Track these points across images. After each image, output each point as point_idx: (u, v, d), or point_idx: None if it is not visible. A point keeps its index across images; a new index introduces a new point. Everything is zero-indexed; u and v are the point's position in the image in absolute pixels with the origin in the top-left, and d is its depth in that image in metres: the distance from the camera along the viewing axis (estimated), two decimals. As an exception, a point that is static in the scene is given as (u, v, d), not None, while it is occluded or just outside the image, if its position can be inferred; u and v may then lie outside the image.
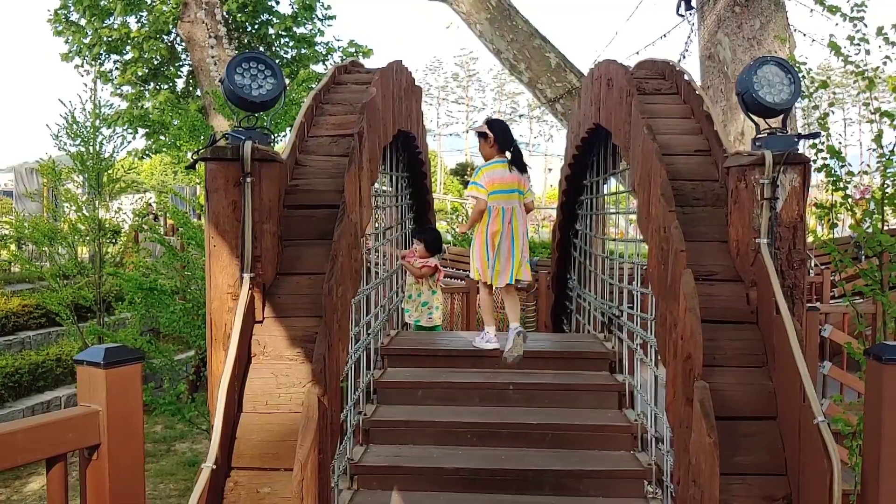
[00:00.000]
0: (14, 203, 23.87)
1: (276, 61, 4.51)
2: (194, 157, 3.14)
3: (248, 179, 3.03)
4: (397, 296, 6.67)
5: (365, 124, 3.77)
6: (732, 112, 8.46)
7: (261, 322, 3.12)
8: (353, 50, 17.94)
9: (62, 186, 13.06)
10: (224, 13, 16.13)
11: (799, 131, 4.94)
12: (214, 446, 2.70)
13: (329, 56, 18.29)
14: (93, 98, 15.60)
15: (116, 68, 17.39)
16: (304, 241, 3.35)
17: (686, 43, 9.62)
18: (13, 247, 16.06)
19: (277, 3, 17.61)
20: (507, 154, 5.47)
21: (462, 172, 29.50)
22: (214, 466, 2.67)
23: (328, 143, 3.83)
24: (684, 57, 9.57)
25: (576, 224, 7.18)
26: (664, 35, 10.28)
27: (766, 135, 3.17)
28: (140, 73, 17.01)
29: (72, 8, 16.98)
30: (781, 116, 3.22)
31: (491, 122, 5.59)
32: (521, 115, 53.63)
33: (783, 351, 2.82)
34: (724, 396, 2.90)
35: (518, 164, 5.44)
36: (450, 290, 10.25)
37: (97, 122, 15.66)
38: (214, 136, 3.09)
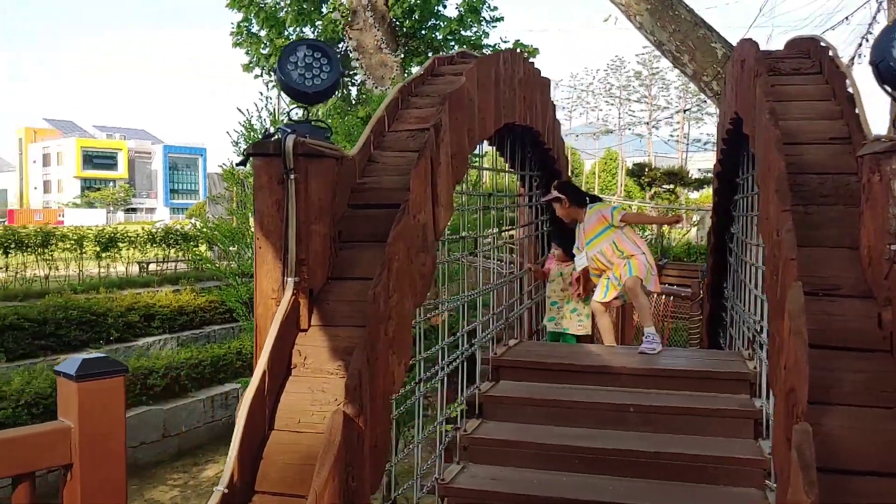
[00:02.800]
0: (206, 206, 25.72)
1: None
2: (245, 153, 2.94)
3: (292, 176, 2.78)
4: (521, 303, 6.26)
5: (445, 117, 3.44)
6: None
7: (305, 331, 2.86)
8: (518, 50, 17.62)
9: (245, 190, 13.73)
10: (391, 19, 16.34)
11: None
12: (228, 468, 2.47)
13: (496, 58, 18.08)
14: (268, 106, 16.33)
15: (292, 77, 18.09)
16: (361, 242, 3.07)
17: (869, 25, 8.52)
18: (203, 247, 17.16)
19: (444, 7, 17.62)
20: (586, 207, 5.67)
21: (639, 174, 28.42)
22: (226, 490, 2.43)
23: (405, 137, 3.54)
24: (867, 40, 8.47)
25: (731, 227, 6.47)
26: (846, 18, 9.17)
27: (910, 115, 2.52)
28: (313, 81, 17.58)
29: (253, 21, 17.82)
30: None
31: (560, 186, 5.77)
32: (708, 113, 50.97)
33: (917, 390, 2.19)
34: (836, 443, 2.31)
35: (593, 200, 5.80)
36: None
37: (273, 128, 16.39)
38: (268, 130, 2.86)
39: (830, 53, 3.61)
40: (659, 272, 15.34)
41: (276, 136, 2.86)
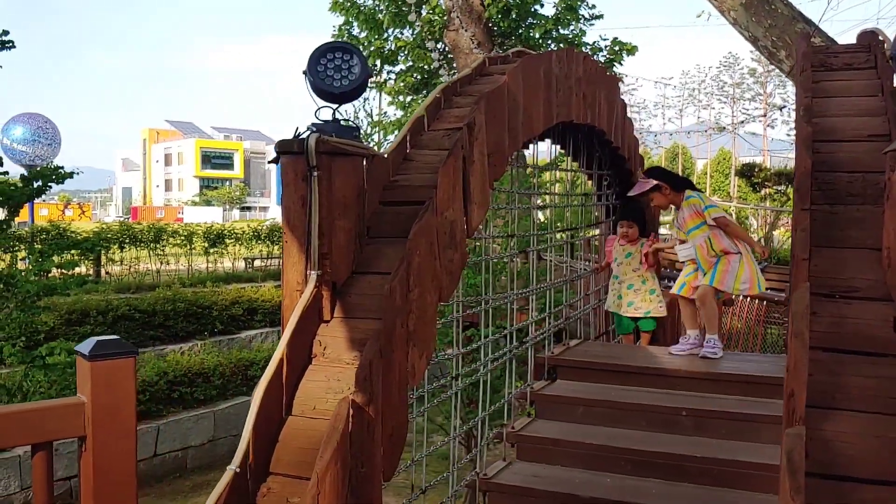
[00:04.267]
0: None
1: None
2: (277, 151, 3.08)
3: (315, 173, 2.90)
4: (586, 303, 6.21)
5: (480, 115, 3.49)
6: None
7: (328, 322, 2.97)
8: (616, 48, 17.38)
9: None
10: (487, 19, 16.42)
11: None
12: (241, 448, 2.60)
13: (594, 56, 17.88)
14: (365, 106, 16.73)
15: (390, 78, 18.42)
16: (388, 238, 3.16)
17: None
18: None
19: (542, 6, 17.55)
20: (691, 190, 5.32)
21: (749, 174, 27.37)
22: (238, 469, 2.57)
23: (441, 136, 3.61)
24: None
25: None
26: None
27: (936, 111, 2.41)
28: (410, 82, 17.85)
29: (354, 23, 18.27)
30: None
31: (655, 173, 5.38)
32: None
33: (920, 397, 2.10)
34: (838, 449, 2.24)
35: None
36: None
37: (369, 128, 16.75)
38: (298, 129, 2.99)
39: (886, 47, 3.45)
40: (758, 275, 14.81)
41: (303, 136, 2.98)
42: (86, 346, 2.20)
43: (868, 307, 2.48)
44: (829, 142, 2.98)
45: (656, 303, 5.90)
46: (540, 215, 8.31)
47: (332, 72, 3.08)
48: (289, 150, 2.93)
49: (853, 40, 4.08)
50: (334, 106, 3.10)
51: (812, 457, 2.25)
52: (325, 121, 3.07)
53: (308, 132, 2.93)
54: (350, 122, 3.13)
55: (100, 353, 2.18)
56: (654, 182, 5.23)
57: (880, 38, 3.61)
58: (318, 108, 3.08)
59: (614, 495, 3.97)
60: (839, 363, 2.37)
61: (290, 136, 3.02)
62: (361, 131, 16.24)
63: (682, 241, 5.32)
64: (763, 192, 31.11)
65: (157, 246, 18.33)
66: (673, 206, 5.39)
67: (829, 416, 2.29)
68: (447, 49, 17.40)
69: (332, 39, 18.47)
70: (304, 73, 3.09)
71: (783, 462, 2.11)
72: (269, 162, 3.21)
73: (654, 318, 5.92)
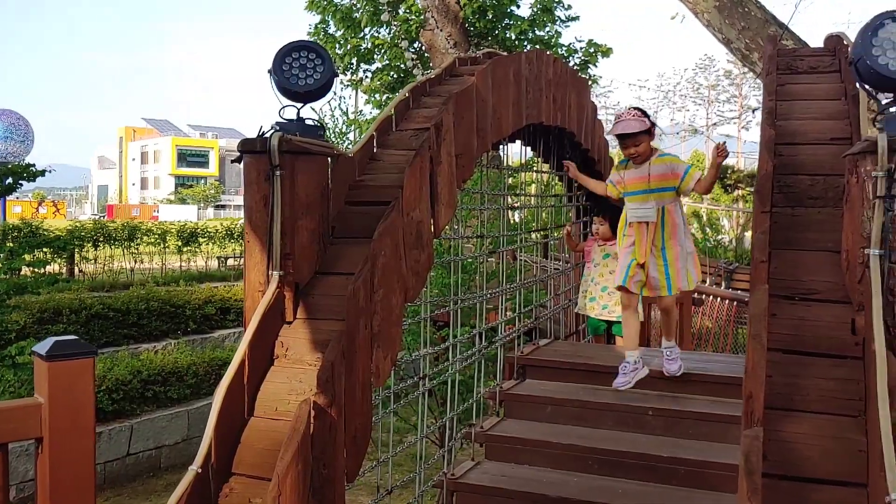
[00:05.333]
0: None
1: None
2: (238, 150, 3.05)
3: (278, 173, 2.88)
4: (557, 303, 6.23)
5: (448, 116, 3.49)
6: None
7: (290, 323, 2.95)
8: (591, 50, 17.45)
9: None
10: (463, 19, 16.42)
11: None
12: (202, 449, 2.58)
13: (570, 57, 17.95)
14: (341, 105, 16.67)
15: (367, 77, 18.38)
16: (352, 238, 3.15)
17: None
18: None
19: (518, 6, 17.59)
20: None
21: (722, 175, 27.65)
22: (199, 470, 2.55)
23: (409, 136, 3.60)
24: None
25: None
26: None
27: (893, 113, 2.43)
28: (387, 81, 17.81)
29: (330, 22, 18.21)
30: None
31: (642, 111, 4.51)
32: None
33: (873, 396, 2.13)
34: (796, 450, 2.25)
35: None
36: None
37: (345, 126, 16.70)
38: (262, 128, 2.97)
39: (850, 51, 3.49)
40: (730, 277, 14.98)
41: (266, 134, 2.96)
42: (43, 347, 2.17)
43: (827, 309, 2.51)
44: (791, 145, 3.01)
45: None
46: (516, 216, 8.34)
47: (298, 71, 3.06)
48: (251, 149, 2.91)
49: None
50: (299, 105, 3.08)
51: (771, 458, 2.27)
52: (290, 120, 3.05)
53: (271, 131, 2.92)
54: (315, 122, 3.12)
55: (57, 353, 2.15)
56: (650, 122, 4.46)
57: (845, 42, 3.65)
58: (283, 107, 3.06)
59: (582, 495, 3.98)
60: (798, 365, 2.40)
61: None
62: (337, 129, 16.13)
63: (633, 201, 4.55)
64: (736, 194, 31.47)
65: (132, 244, 18.16)
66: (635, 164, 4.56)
67: (788, 417, 2.31)
68: (424, 48, 17.40)
69: (303, 38, 18.43)
70: (269, 71, 3.07)
71: (740, 463, 2.13)
72: (233, 161, 3.18)
73: None
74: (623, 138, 4.47)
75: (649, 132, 4.49)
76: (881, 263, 2.32)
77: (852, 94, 3.13)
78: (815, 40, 4.05)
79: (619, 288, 4.65)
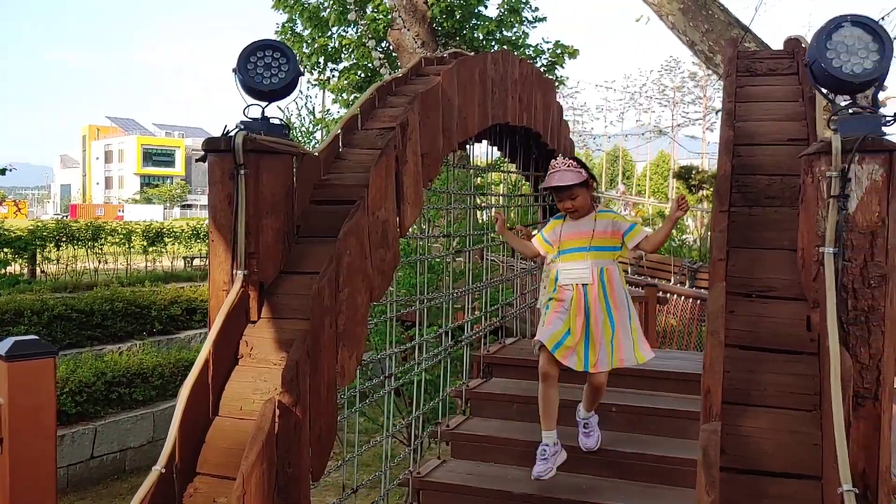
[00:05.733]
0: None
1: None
2: (203, 149, 3.04)
3: (242, 171, 2.87)
4: (524, 301, 6.28)
5: (414, 115, 3.50)
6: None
7: (255, 322, 2.95)
8: (558, 51, 17.57)
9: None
10: (431, 19, 16.45)
11: None
12: (166, 449, 2.57)
13: (537, 58, 18.05)
14: (308, 104, 16.61)
15: (334, 76, 18.33)
16: (317, 237, 3.15)
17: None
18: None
19: (485, 7, 17.65)
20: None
21: (687, 176, 28.01)
22: (163, 470, 2.53)
23: (375, 135, 3.61)
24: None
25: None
26: (883, 17, 8.91)
27: (848, 115, 2.49)
28: (354, 80, 17.77)
29: (297, 20, 18.13)
30: (871, 92, 2.52)
31: (581, 164, 3.98)
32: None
33: (828, 391, 2.18)
34: (753, 445, 2.30)
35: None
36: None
37: (311, 126, 16.64)
38: (226, 127, 2.96)
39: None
40: (694, 276, 15.16)
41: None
42: (3, 347, 2.15)
43: (783, 306, 2.56)
44: (750, 145, 3.07)
45: None
46: (484, 216, 8.38)
47: (262, 70, 3.06)
48: (216, 147, 2.90)
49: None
50: (264, 104, 3.08)
51: (728, 452, 2.31)
52: (255, 119, 3.05)
53: (236, 130, 2.91)
54: (280, 121, 3.11)
55: (17, 353, 2.14)
56: (587, 175, 3.93)
57: (803, 45, 3.72)
58: (247, 106, 3.05)
59: (546, 491, 4.01)
60: (755, 360, 2.45)
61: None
62: (304, 129, 16.02)
63: (567, 260, 3.97)
64: (700, 194, 31.84)
65: (95, 244, 17.94)
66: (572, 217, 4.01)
67: (746, 412, 2.36)
68: (391, 48, 17.39)
69: (269, 38, 18.32)
70: (234, 70, 3.06)
71: (699, 457, 2.17)
72: (197, 160, 3.17)
73: None
74: (558, 191, 3.93)
75: (587, 184, 3.93)
76: (835, 261, 2.38)
77: (809, 96, 3.20)
78: (780, 43, 4.12)
79: (542, 349, 3.94)
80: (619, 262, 4.06)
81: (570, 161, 3.98)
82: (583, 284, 3.89)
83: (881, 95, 2.80)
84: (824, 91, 2.51)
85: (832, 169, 2.38)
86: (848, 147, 2.35)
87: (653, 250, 4.14)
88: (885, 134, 2.41)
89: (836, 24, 2.47)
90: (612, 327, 3.90)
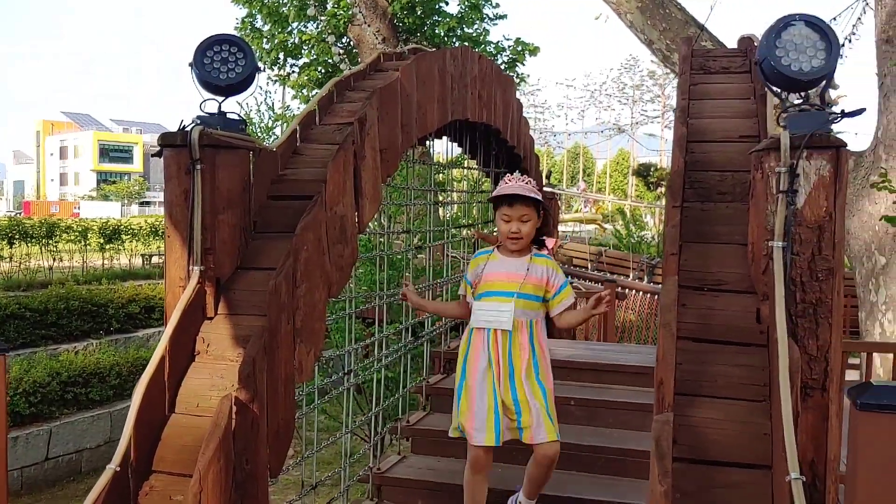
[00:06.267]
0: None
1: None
2: (159, 144, 3.01)
3: (198, 167, 2.85)
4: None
5: (372, 111, 3.50)
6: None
7: (211, 319, 2.93)
8: (519, 48, 17.63)
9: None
10: (392, 15, 16.41)
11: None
12: (121, 447, 2.54)
13: (498, 56, 18.10)
14: (267, 100, 16.47)
15: (294, 72, 18.19)
16: (275, 233, 3.14)
17: (854, 25, 8.47)
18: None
19: (446, 3, 17.64)
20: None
21: (646, 174, 28.39)
22: (118, 469, 2.51)
23: (333, 130, 3.60)
24: (849, 41, 8.42)
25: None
26: (833, 19, 9.09)
27: (797, 112, 2.55)
28: (314, 76, 17.66)
29: (258, 16, 17.95)
30: (820, 89, 2.58)
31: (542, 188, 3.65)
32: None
33: (777, 382, 2.23)
34: (705, 435, 2.35)
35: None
36: (584, 295, 9.69)
37: (270, 122, 16.52)
38: (182, 122, 2.93)
39: (759, 52, 3.63)
40: (652, 272, 15.34)
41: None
42: (-52, 345, 2.11)
43: (734, 299, 2.62)
44: (702, 142, 3.13)
45: None
46: (446, 213, 8.40)
47: (219, 64, 3.03)
48: (172, 142, 2.88)
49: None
50: (221, 99, 3.05)
51: (681, 442, 2.36)
52: (211, 114, 3.02)
53: (192, 125, 2.89)
54: (237, 116, 3.09)
55: (-37, 351, 2.10)
56: (534, 194, 3.27)
57: (755, 43, 3.79)
58: (204, 101, 3.02)
59: (505, 484, 4.03)
60: (707, 353, 2.49)
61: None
62: (263, 125, 15.87)
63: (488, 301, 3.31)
64: (658, 191, 32.32)
65: (50, 242, 17.61)
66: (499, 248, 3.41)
67: (697, 403, 2.41)
68: (352, 44, 17.32)
69: (227, 32, 18.13)
70: (190, 65, 3.03)
71: (652, 447, 2.21)
72: (153, 155, 3.14)
73: None
74: (512, 203, 3.27)
75: (539, 213, 3.32)
76: (784, 255, 2.44)
77: (761, 94, 3.27)
78: (735, 42, 4.20)
79: (477, 449, 3.37)
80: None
81: (529, 179, 3.38)
82: (502, 331, 3.25)
83: (833, 94, 2.88)
84: (774, 89, 2.57)
85: (781, 165, 2.43)
86: (796, 143, 2.40)
87: (563, 327, 3.68)
88: (832, 131, 2.47)
89: (785, 22, 2.52)
90: (542, 389, 3.32)
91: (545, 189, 4.58)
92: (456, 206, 6.96)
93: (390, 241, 5.41)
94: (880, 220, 6.08)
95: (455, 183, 8.78)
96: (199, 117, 2.98)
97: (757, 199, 2.57)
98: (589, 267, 15.43)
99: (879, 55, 7.66)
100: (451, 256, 6.90)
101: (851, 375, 5.48)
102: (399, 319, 5.27)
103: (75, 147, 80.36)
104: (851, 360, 6.39)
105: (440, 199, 6.88)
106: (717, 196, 2.91)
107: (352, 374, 4.07)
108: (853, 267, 7.13)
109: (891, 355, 5.70)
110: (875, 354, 5.89)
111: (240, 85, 3.04)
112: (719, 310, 2.59)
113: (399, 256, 7.00)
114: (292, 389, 2.90)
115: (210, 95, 3.06)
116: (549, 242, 5.40)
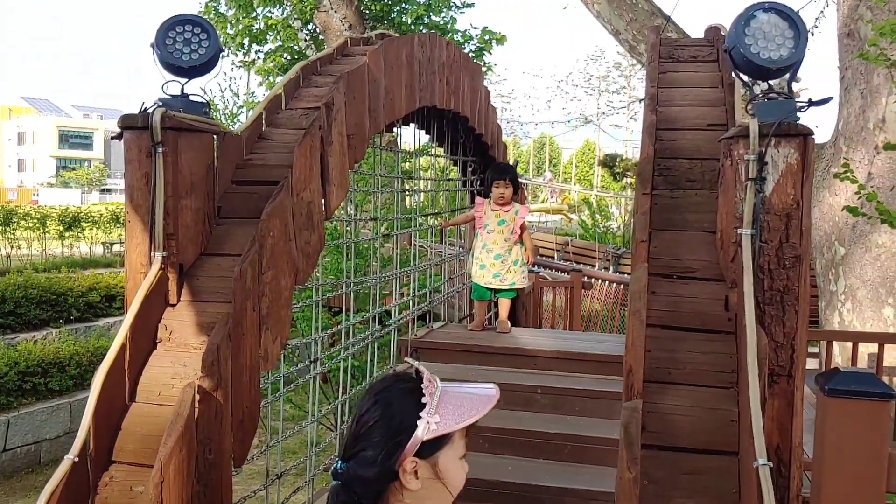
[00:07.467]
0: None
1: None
2: (119, 126, 2.93)
3: (160, 150, 2.78)
4: (452, 286, 6.29)
5: (340, 95, 3.45)
6: (873, 96, 7.41)
7: (174, 305, 2.86)
8: (486, 37, 17.59)
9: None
10: (358, 2, 16.27)
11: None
12: (80, 437, 2.48)
13: (465, 44, 18.05)
14: (232, 85, 16.25)
15: (259, 58, 17.96)
16: (239, 219, 3.08)
17: (816, 19, 8.57)
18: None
19: (415, -10, 17.55)
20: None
21: (611, 164, 28.55)
22: (76, 459, 2.44)
23: (299, 115, 3.54)
24: (811, 34, 8.51)
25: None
26: (796, 12, 9.17)
27: (764, 101, 2.56)
28: (280, 62, 17.46)
29: (222, 1, 17.68)
30: (787, 78, 2.59)
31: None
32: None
33: (744, 369, 2.24)
34: (673, 422, 2.35)
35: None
36: (550, 285, 9.72)
37: (235, 108, 16.31)
38: (144, 104, 2.85)
39: (727, 41, 3.64)
40: (618, 262, 15.46)
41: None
42: None
43: (703, 287, 2.62)
44: (671, 130, 3.13)
45: (520, 274, 5.63)
46: (413, 201, 8.36)
47: (182, 45, 2.96)
48: (132, 125, 2.80)
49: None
50: (183, 80, 2.98)
51: (650, 429, 2.36)
52: (174, 96, 2.95)
53: (154, 107, 2.81)
54: (201, 98, 3.02)
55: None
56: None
57: (723, 33, 3.81)
58: (166, 83, 2.95)
59: (471, 472, 4.02)
60: (676, 340, 2.50)
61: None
62: (228, 111, 15.65)
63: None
64: (624, 182, 32.54)
65: (7, 229, 17.23)
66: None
67: (666, 390, 2.41)
68: (318, 30, 17.15)
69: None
70: (152, 45, 2.96)
71: (620, 434, 2.20)
72: (113, 138, 3.05)
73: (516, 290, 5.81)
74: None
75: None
76: (752, 242, 2.44)
77: (728, 83, 3.28)
78: (700, 33, 4.22)
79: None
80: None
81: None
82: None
83: (795, 87, 2.89)
84: (743, 77, 2.57)
85: (750, 152, 2.44)
86: (765, 131, 2.41)
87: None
88: (799, 119, 2.48)
89: (753, 11, 2.52)
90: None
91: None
92: (423, 194, 6.92)
93: (357, 230, 5.36)
94: (842, 210, 6.16)
95: (422, 172, 8.73)
96: (160, 99, 2.91)
97: (726, 186, 2.57)
98: (555, 257, 15.49)
99: (841, 48, 7.76)
100: (419, 245, 6.87)
101: (811, 364, 5.57)
102: (366, 308, 5.23)
103: (34, 133, 78.74)
104: (810, 349, 6.49)
105: (407, 187, 6.82)
106: (687, 184, 2.91)
107: (318, 363, 4.02)
108: (814, 257, 7.23)
109: (849, 344, 5.80)
110: (834, 343, 5.99)
111: (203, 66, 2.97)
112: (688, 297, 2.59)
113: (366, 245, 6.95)
114: (257, 378, 2.85)
115: (172, 77, 2.98)
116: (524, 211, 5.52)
